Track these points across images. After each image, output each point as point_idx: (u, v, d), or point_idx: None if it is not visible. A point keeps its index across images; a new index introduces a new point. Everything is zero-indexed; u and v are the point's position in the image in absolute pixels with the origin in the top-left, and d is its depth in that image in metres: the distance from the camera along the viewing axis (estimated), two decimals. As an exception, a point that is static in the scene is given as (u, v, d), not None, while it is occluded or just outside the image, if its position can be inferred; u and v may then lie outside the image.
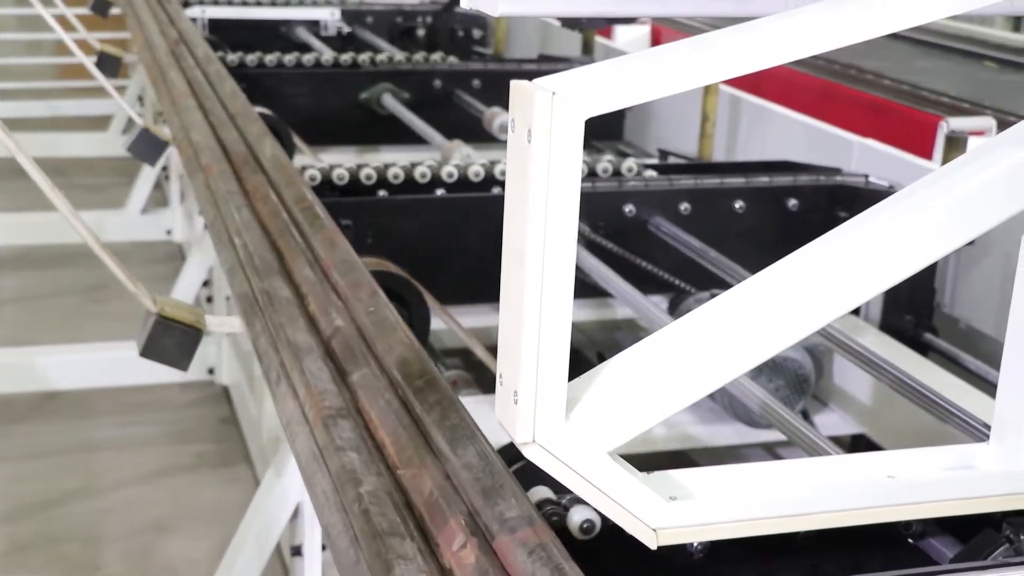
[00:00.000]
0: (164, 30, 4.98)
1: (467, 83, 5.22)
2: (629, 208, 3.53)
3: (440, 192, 3.57)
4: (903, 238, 1.57)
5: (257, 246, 2.72)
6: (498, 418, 1.55)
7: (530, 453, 1.50)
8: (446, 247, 3.41)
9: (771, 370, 3.09)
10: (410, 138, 4.82)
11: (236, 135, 3.38)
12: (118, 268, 2.26)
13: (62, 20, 5.06)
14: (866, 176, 3.70)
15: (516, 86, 1.45)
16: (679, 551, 1.70)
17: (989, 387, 3.04)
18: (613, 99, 1.45)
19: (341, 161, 3.81)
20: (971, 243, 3.51)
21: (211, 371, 4.56)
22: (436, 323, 3.09)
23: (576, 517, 1.62)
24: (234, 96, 3.77)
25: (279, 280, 2.54)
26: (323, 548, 2.70)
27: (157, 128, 3.95)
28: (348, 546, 1.59)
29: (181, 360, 2.41)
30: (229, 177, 3.17)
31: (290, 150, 4.46)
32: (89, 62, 4.28)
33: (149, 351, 2.37)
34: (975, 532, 1.77)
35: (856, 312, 3.53)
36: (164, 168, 6.26)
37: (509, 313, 1.49)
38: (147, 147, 3.83)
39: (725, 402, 3.14)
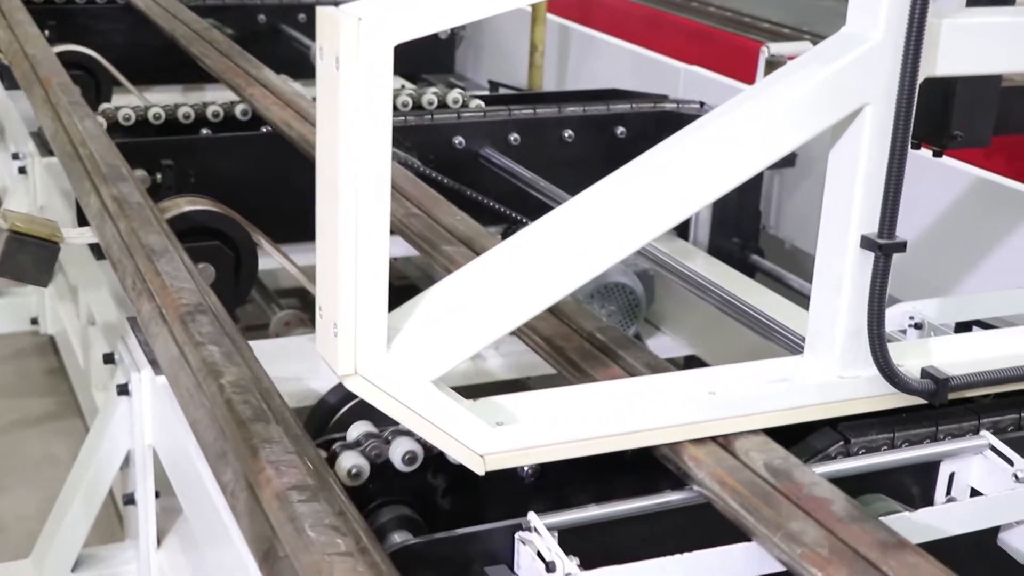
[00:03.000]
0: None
1: (293, 17, 5.10)
2: (459, 140, 3.52)
3: (265, 129, 3.50)
4: (714, 155, 1.59)
5: (105, 153, 2.68)
6: (319, 351, 1.53)
7: (352, 385, 1.49)
8: (277, 184, 3.34)
9: (603, 296, 3.13)
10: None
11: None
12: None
13: None
14: (701, 103, 3.75)
15: (322, 13, 1.42)
16: (509, 476, 1.71)
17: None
18: (421, 24, 1.42)
19: (166, 100, 3.69)
20: (793, 165, 3.63)
21: (34, 321, 4.39)
22: (270, 262, 3.04)
23: (398, 449, 1.61)
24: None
25: (128, 185, 2.52)
26: (156, 495, 2.65)
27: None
28: (215, 439, 1.58)
29: (40, 276, 2.33)
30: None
31: (107, 88, 4.31)
32: None
33: (4, 269, 2.28)
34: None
35: (685, 236, 3.59)
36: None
37: (325, 246, 1.47)
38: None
39: (559, 330, 3.17)
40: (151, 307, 1.99)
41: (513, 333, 2.05)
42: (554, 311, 2.06)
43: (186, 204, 2.68)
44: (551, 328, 2.01)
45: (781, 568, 1.54)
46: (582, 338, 1.98)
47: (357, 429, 1.64)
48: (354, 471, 1.60)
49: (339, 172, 1.40)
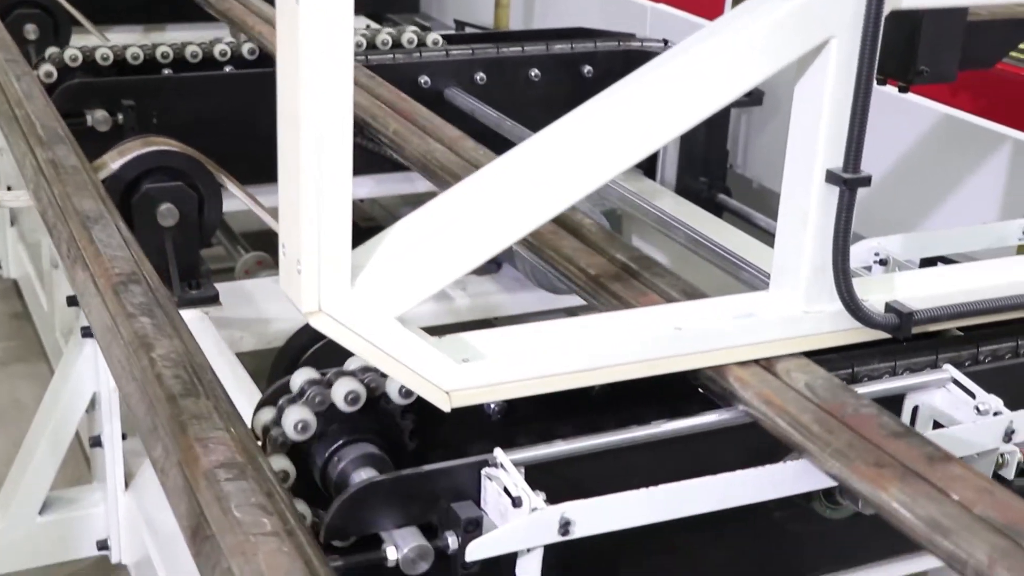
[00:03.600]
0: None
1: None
2: (424, 79, 3.48)
3: (229, 69, 3.45)
4: (679, 89, 1.58)
5: (41, 114, 2.63)
6: (283, 289, 1.52)
7: (316, 322, 1.48)
8: (243, 125, 3.30)
9: (570, 236, 3.11)
10: (199, 15, 4.62)
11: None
12: None
13: None
14: (665, 41, 3.73)
15: (281, -56, 1.40)
16: (476, 413, 1.70)
17: (778, 242, 3.13)
18: (383, -46, 1.41)
19: (128, 41, 3.64)
20: (760, 104, 3.62)
21: (-4, 264, 4.37)
22: (237, 204, 3.01)
23: (339, 390, 1.59)
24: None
25: (65, 148, 2.47)
26: (123, 437, 2.64)
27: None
28: (145, 414, 1.56)
29: None
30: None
31: (66, 30, 4.25)
32: None
33: None
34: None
35: (652, 176, 3.58)
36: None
37: (287, 182, 1.45)
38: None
39: (527, 269, 3.17)
40: (85, 275, 1.94)
41: (546, 261, 2.10)
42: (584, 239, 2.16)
43: (147, 144, 2.65)
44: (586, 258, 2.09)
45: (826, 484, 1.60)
46: (616, 267, 2.05)
47: (300, 377, 1.62)
48: (300, 425, 1.59)
49: (300, 109, 1.38)
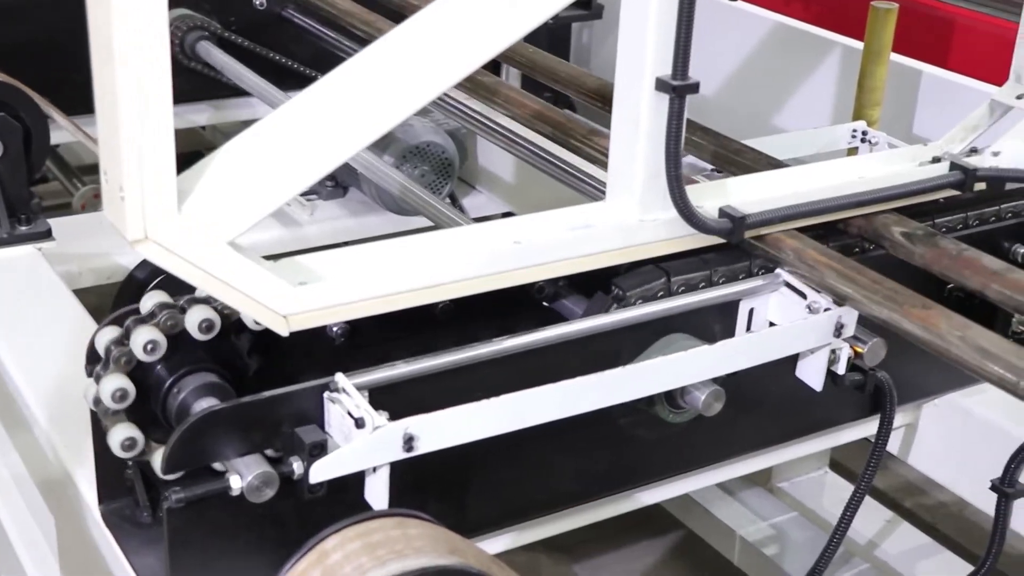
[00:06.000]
0: None
1: None
2: (260, 0, 3.39)
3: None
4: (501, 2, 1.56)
5: None
6: (108, 217, 1.47)
7: (144, 250, 1.43)
8: (67, 52, 3.16)
9: (414, 156, 3.09)
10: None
11: None
12: None
13: None
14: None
15: None
16: (319, 338, 1.68)
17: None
18: None
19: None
20: (600, 17, 3.63)
21: None
22: (68, 136, 2.90)
23: (193, 317, 1.56)
24: None
25: None
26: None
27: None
28: None
29: None
30: None
31: None
32: None
33: None
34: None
35: (496, 94, 3.56)
36: None
37: (104, 104, 1.39)
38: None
39: (373, 193, 3.14)
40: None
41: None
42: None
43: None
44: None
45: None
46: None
47: (150, 300, 1.58)
48: (150, 346, 1.55)
49: (113, 27, 1.32)
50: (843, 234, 1.99)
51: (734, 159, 2.23)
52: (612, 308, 1.77)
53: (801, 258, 1.84)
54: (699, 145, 2.32)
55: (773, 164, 2.17)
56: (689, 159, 2.33)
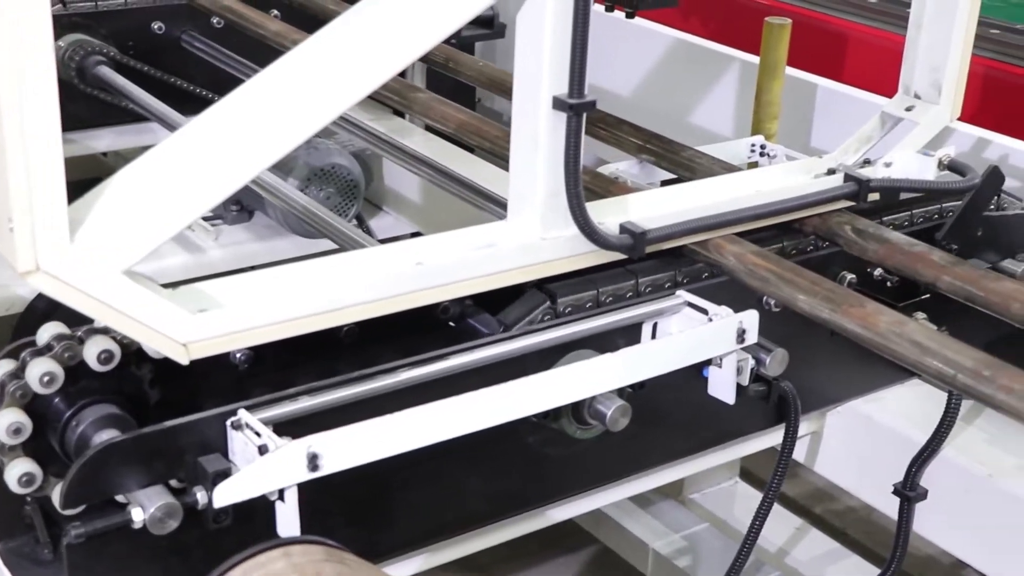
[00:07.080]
0: None
1: None
2: (158, 25, 3.35)
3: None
4: (403, 17, 1.56)
5: None
6: (-2, 250, 1.44)
7: (36, 282, 1.40)
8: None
9: (320, 179, 3.07)
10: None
11: None
12: None
13: None
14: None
15: None
16: (222, 365, 1.66)
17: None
18: None
19: None
20: (503, 36, 3.63)
21: None
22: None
23: (92, 349, 1.53)
24: None
25: None
26: None
27: None
28: None
29: None
30: None
31: None
32: None
33: None
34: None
35: (401, 115, 3.56)
36: None
37: (-10, 136, 1.36)
38: None
39: (278, 216, 3.11)
40: None
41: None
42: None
43: None
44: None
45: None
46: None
47: (47, 332, 1.55)
48: (46, 378, 1.52)
49: (-3, 55, 1.30)
50: (798, 232, 2.09)
51: (688, 164, 2.31)
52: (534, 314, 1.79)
53: (742, 262, 1.90)
54: (654, 152, 2.39)
55: (727, 168, 2.26)
56: (645, 166, 2.39)
